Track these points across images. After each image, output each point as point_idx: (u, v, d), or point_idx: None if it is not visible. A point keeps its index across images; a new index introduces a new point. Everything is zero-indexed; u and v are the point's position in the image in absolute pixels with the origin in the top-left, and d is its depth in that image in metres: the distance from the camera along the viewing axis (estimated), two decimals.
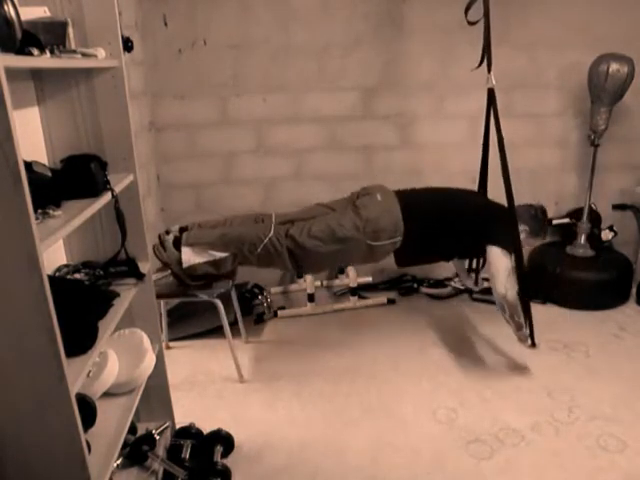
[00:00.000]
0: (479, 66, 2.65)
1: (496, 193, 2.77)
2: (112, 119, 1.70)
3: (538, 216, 2.76)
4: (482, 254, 2.66)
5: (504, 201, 2.61)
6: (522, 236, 2.66)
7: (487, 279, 2.95)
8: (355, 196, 2.67)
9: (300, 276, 3.53)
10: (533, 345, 2.58)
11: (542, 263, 3.42)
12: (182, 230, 2.57)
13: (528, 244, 2.79)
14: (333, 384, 2.60)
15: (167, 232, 2.58)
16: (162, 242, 2.51)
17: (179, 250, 2.46)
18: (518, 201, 3.52)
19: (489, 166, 2.94)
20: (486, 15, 2.51)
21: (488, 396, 2.48)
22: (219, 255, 2.45)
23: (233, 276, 2.67)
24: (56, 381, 1.16)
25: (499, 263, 2.50)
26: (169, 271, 2.65)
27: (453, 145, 3.37)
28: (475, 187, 3.01)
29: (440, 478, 2.01)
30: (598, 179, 3.37)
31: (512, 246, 2.53)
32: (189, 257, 2.44)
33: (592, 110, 3.17)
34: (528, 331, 2.55)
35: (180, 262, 2.45)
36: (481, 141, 2.89)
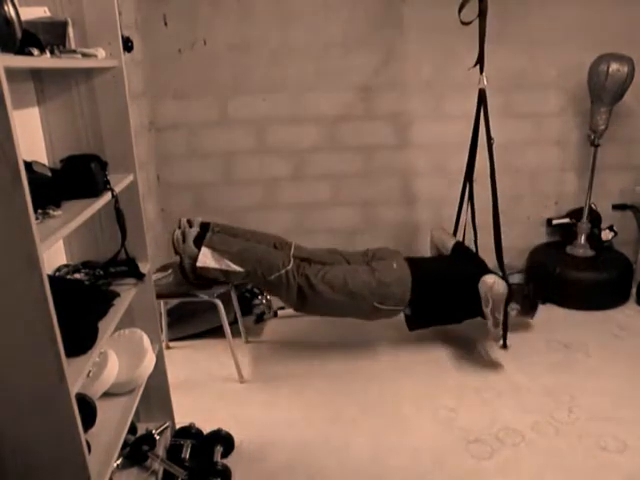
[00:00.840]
0: (475, 65, 2.66)
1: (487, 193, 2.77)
2: (112, 119, 1.70)
3: (530, 296, 2.88)
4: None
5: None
6: (513, 314, 2.76)
7: None
8: (371, 255, 2.75)
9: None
10: (504, 346, 2.66)
11: (542, 263, 3.42)
12: (203, 226, 2.59)
13: (518, 322, 2.91)
14: (333, 384, 2.60)
15: (190, 223, 2.59)
16: (184, 234, 2.52)
17: (197, 246, 2.47)
18: (517, 204, 3.55)
19: (484, 166, 2.93)
20: (482, 15, 2.52)
21: (488, 396, 2.48)
22: (234, 268, 2.47)
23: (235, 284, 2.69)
24: (56, 381, 1.16)
25: (488, 275, 2.62)
26: (170, 270, 2.66)
27: (452, 145, 3.37)
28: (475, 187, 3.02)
29: (440, 478, 2.02)
30: (598, 179, 3.37)
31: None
32: (206, 259, 2.45)
33: (592, 110, 3.17)
34: (502, 332, 2.62)
35: (195, 259, 2.45)
36: (481, 141, 2.89)
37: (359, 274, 2.57)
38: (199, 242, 2.49)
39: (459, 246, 2.94)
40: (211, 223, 2.62)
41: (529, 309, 2.89)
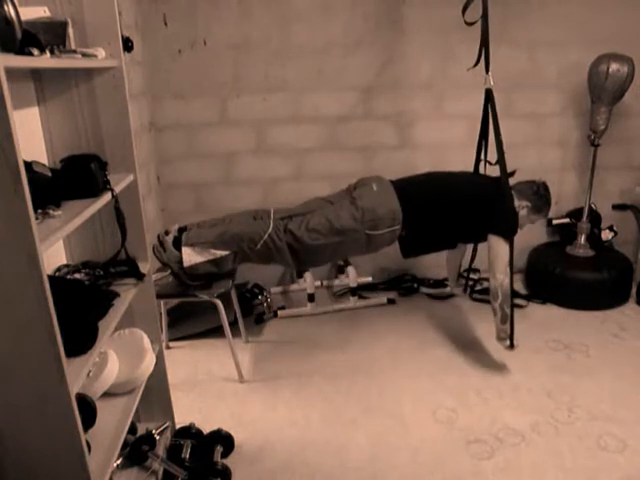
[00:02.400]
0: (475, 65, 2.66)
1: None
2: (112, 119, 1.70)
3: (540, 192, 2.74)
4: (484, 239, 2.66)
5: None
6: (524, 212, 2.67)
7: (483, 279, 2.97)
8: (352, 187, 2.68)
9: (300, 275, 3.53)
10: (512, 346, 2.59)
11: (542, 263, 3.42)
12: (181, 230, 2.58)
13: (530, 221, 2.77)
14: (333, 384, 2.60)
15: (166, 232, 2.58)
16: (161, 243, 2.52)
17: (179, 250, 2.47)
18: None
19: (486, 167, 2.93)
20: (484, 16, 2.51)
21: (488, 396, 2.48)
22: (220, 253, 2.45)
23: (233, 275, 2.68)
24: (56, 381, 1.16)
25: (499, 250, 2.53)
26: (169, 271, 2.66)
27: (453, 145, 3.37)
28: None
29: (440, 478, 2.02)
30: (598, 179, 3.37)
31: (511, 236, 2.55)
32: (190, 257, 2.44)
33: (592, 110, 3.17)
34: (509, 330, 2.56)
35: (181, 262, 2.45)
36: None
37: (342, 210, 2.50)
38: (179, 245, 2.48)
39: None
40: (189, 224, 2.62)
41: (541, 207, 2.74)
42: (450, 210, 2.59)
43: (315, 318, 3.25)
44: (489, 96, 2.66)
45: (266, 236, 2.45)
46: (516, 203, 2.64)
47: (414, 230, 2.56)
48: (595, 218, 3.48)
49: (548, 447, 2.15)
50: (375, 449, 2.17)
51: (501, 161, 2.62)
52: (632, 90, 3.08)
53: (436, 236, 2.68)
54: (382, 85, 3.30)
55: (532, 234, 3.62)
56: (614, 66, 2.95)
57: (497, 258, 2.54)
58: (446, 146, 3.41)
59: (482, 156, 2.94)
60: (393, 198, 2.52)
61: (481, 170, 2.98)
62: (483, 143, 2.92)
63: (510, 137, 3.40)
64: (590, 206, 3.37)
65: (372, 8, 3.16)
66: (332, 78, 3.26)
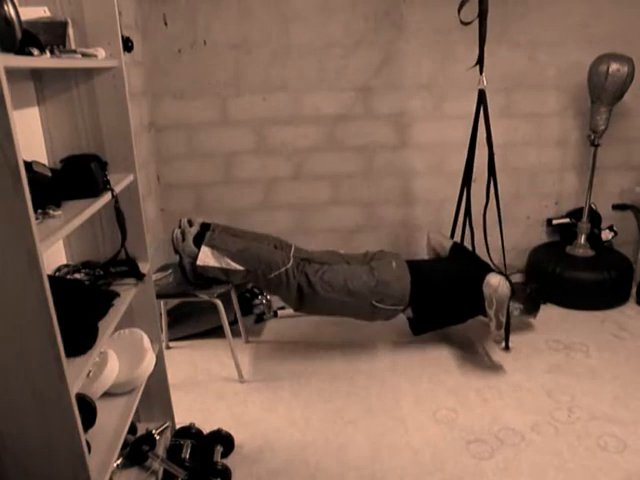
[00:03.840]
0: (475, 65, 2.66)
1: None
2: (112, 119, 1.70)
3: (532, 295, 2.89)
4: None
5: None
6: (516, 313, 2.78)
7: None
8: (370, 257, 2.75)
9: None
10: (507, 348, 2.64)
11: (542, 263, 3.42)
12: (203, 226, 2.59)
13: (520, 321, 2.92)
14: (333, 384, 2.60)
15: (190, 223, 2.59)
16: (183, 232, 2.53)
17: (196, 246, 2.47)
18: (517, 204, 3.56)
19: (482, 167, 2.93)
20: (482, 15, 2.52)
21: (488, 396, 2.48)
22: (234, 266, 2.47)
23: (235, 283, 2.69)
24: (56, 381, 1.16)
25: (492, 275, 2.61)
26: (170, 271, 2.66)
27: (452, 145, 3.37)
28: (473, 187, 3.02)
29: (440, 478, 2.02)
30: (598, 179, 3.37)
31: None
32: (206, 257, 2.46)
33: (592, 110, 3.17)
34: (504, 334, 2.60)
35: (194, 257, 2.46)
36: (481, 142, 2.89)
37: (358, 273, 2.57)
38: (199, 241, 2.49)
39: (457, 247, 2.94)
40: (212, 223, 2.63)
41: (532, 308, 2.89)
42: (456, 294, 2.66)
43: (315, 318, 3.23)
44: (482, 97, 2.68)
45: (283, 269, 2.49)
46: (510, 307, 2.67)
47: (422, 311, 2.67)
48: (595, 218, 3.48)
49: (548, 447, 2.15)
50: (375, 449, 2.17)
51: (491, 162, 2.64)
52: (632, 90, 3.08)
53: (443, 316, 2.77)
54: (382, 85, 3.30)
55: (532, 234, 3.63)
56: (614, 66, 2.95)
57: (492, 275, 2.61)
58: (445, 146, 3.41)
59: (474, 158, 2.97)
60: (407, 280, 2.60)
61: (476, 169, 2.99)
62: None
63: (510, 137, 3.42)
64: (590, 206, 3.37)
65: (372, 8, 3.15)
66: (332, 78, 3.26)
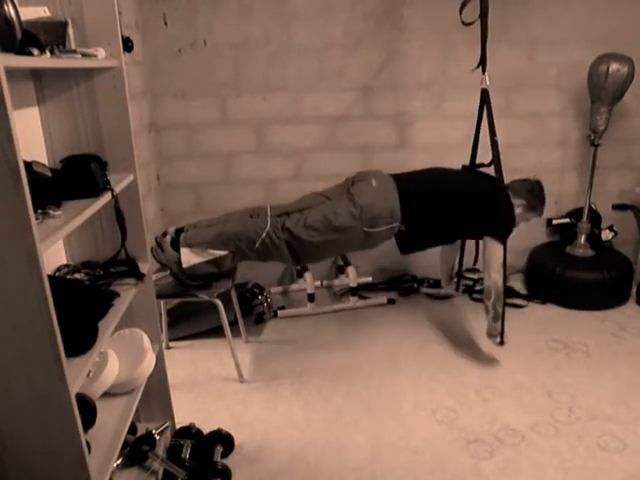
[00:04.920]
0: (478, 66, 2.66)
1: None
2: (112, 119, 1.70)
3: (535, 191, 2.74)
4: (480, 237, 2.68)
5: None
6: (519, 210, 2.68)
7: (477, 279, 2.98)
8: (350, 182, 2.64)
9: (300, 275, 3.52)
10: (502, 343, 2.64)
11: (542, 263, 3.42)
12: (178, 231, 2.57)
13: (525, 219, 2.77)
14: (333, 384, 2.60)
15: (164, 234, 2.58)
16: (159, 244, 2.52)
17: (177, 251, 2.47)
18: None
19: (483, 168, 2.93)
20: (483, 15, 2.52)
21: (488, 396, 2.48)
22: (218, 253, 2.45)
23: (233, 274, 2.68)
24: (56, 381, 1.16)
25: (494, 250, 2.54)
26: (168, 271, 2.66)
27: (452, 145, 3.37)
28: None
29: (440, 478, 2.02)
30: (598, 179, 3.37)
31: (505, 238, 2.56)
32: (188, 257, 2.44)
33: (592, 110, 3.17)
34: (500, 328, 2.59)
35: (179, 263, 2.45)
36: (484, 142, 2.88)
37: (340, 206, 2.48)
38: (176, 245, 2.48)
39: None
40: (185, 225, 2.62)
41: (536, 205, 2.73)
42: (449, 205, 2.58)
43: (315, 318, 3.25)
44: (484, 96, 2.68)
45: (264, 234, 2.44)
46: (512, 201, 2.64)
47: (413, 225, 2.53)
48: (595, 218, 3.48)
49: (548, 447, 2.15)
50: (375, 449, 2.17)
51: (496, 162, 2.63)
52: (632, 90, 3.08)
53: (435, 231, 2.67)
54: (382, 85, 3.30)
55: (532, 234, 3.62)
56: (614, 66, 2.95)
57: (492, 258, 2.55)
58: (445, 146, 3.41)
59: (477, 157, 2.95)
60: (393, 194, 2.49)
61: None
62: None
63: (510, 137, 3.41)
64: (590, 206, 3.37)
65: (372, 8, 3.16)
66: (332, 78, 3.26)
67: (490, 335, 2.67)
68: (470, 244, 3.13)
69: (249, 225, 2.51)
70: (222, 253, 2.46)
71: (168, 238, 2.53)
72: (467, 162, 2.99)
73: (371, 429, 2.29)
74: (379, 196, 2.49)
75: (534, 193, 2.73)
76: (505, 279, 2.58)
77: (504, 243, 2.55)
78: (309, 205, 2.58)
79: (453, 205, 2.59)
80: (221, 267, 2.51)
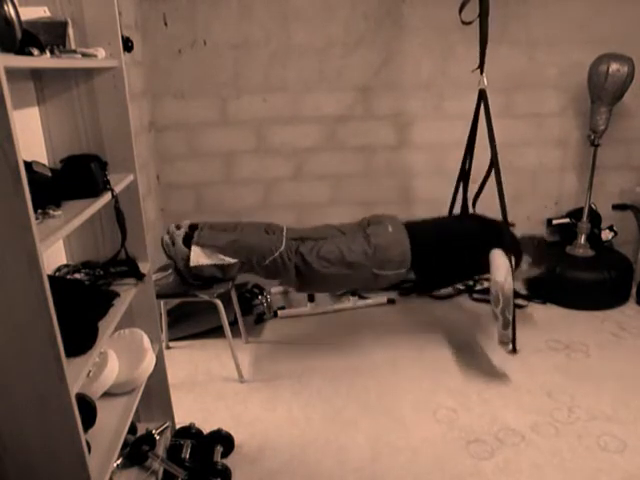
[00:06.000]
0: (478, 67, 2.67)
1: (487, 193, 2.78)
2: (112, 119, 1.70)
3: (539, 247, 2.90)
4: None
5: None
6: (524, 267, 2.75)
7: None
8: (366, 223, 2.71)
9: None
10: (514, 351, 2.60)
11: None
12: (192, 227, 2.58)
13: (529, 274, 2.88)
14: (333, 384, 2.60)
15: (177, 227, 2.58)
16: (172, 237, 2.52)
17: (188, 247, 2.46)
18: (517, 203, 3.55)
19: (479, 166, 2.93)
20: (483, 15, 2.52)
21: (488, 396, 2.48)
22: (228, 260, 2.46)
23: (234, 277, 2.68)
24: (56, 381, 1.16)
25: (500, 260, 2.54)
26: (170, 270, 2.66)
27: (452, 145, 3.37)
28: (472, 187, 3.02)
29: (440, 478, 2.02)
30: (598, 179, 3.37)
31: (512, 251, 2.57)
32: (198, 257, 2.45)
33: (592, 110, 3.17)
34: (511, 335, 2.57)
35: (187, 260, 2.45)
36: (482, 142, 2.89)
37: (355, 243, 2.52)
38: (188, 242, 2.48)
39: (462, 209, 2.89)
40: (200, 223, 2.62)
41: (539, 260, 2.81)
42: (454, 248, 2.63)
43: (315, 318, 3.25)
44: (482, 97, 2.68)
45: (277, 253, 2.46)
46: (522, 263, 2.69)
47: (425, 273, 2.62)
48: (595, 218, 3.48)
49: (548, 447, 2.15)
50: (375, 449, 2.17)
51: (495, 162, 2.63)
52: (632, 90, 3.08)
53: (445, 273, 2.72)
54: (382, 85, 3.30)
55: (532, 234, 3.62)
56: (614, 66, 2.95)
57: (498, 266, 2.53)
58: (445, 146, 3.41)
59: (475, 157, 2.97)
60: (406, 241, 2.56)
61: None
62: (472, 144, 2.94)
63: (510, 137, 3.42)
64: (590, 206, 3.37)
65: (372, 8, 3.16)
66: (332, 78, 3.27)
67: (502, 342, 2.60)
68: None
69: (264, 240, 2.53)
70: (231, 261, 2.46)
71: (182, 232, 2.53)
72: (463, 162, 3.00)
73: (371, 429, 2.29)
74: (394, 241, 2.56)
75: (538, 250, 2.88)
76: (519, 243, 2.60)
77: (509, 256, 2.55)
78: (324, 236, 2.62)
79: (458, 247, 2.63)
80: (226, 274, 2.53)
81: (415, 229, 2.62)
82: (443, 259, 2.60)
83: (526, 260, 2.71)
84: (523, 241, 2.65)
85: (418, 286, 2.68)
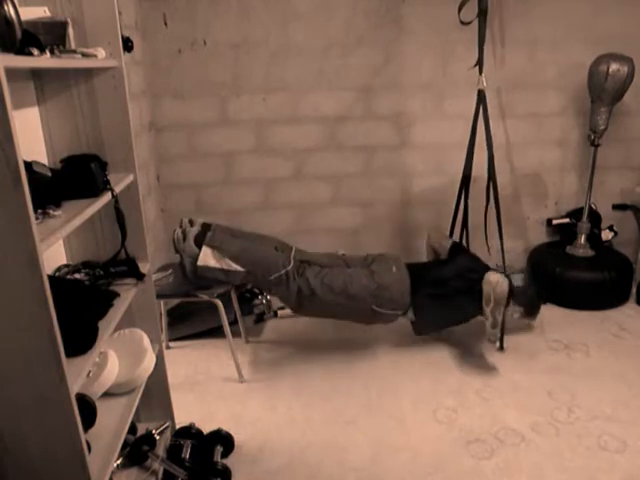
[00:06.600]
0: (476, 65, 2.67)
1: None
2: (112, 119, 1.70)
3: (532, 298, 2.86)
4: None
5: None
6: (516, 316, 2.75)
7: None
8: (371, 260, 2.74)
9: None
10: (501, 348, 2.68)
11: (542, 263, 3.42)
12: (204, 226, 2.59)
13: (520, 324, 2.89)
14: (333, 384, 2.60)
15: (191, 223, 2.59)
16: (184, 231, 2.52)
17: (198, 246, 2.47)
18: (517, 203, 3.55)
19: (481, 166, 2.94)
20: (482, 15, 2.52)
21: (488, 396, 2.48)
22: (235, 267, 2.47)
23: (235, 284, 2.68)
24: (56, 381, 1.16)
25: (492, 273, 2.61)
26: (170, 270, 2.66)
27: (452, 145, 3.37)
28: (473, 188, 3.03)
29: (440, 478, 2.02)
30: (598, 179, 3.37)
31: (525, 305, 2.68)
32: (206, 257, 2.45)
33: (592, 110, 3.16)
34: (499, 334, 2.61)
35: (195, 257, 2.46)
36: (481, 143, 2.89)
37: (358, 277, 2.57)
38: (200, 241, 2.49)
39: (456, 247, 2.93)
40: (212, 224, 2.62)
41: (532, 311, 2.86)
42: (456, 297, 2.65)
43: (315, 318, 3.24)
44: (481, 97, 2.68)
45: (283, 271, 2.48)
46: (509, 309, 2.66)
47: (423, 314, 2.65)
48: (595, 218, 3.48)
49: (548, 447, 2.15)
50: (375, 449, 2.17)
51: (490, 162, 2.64)
52: (632, 90, 3.08)
53: (445, 318, 2.73)
54: (382, 85, 3.30)
55: (532, 234, 3.63)
56: (614, 66, 2.95)
57: (493, 272, 2.62)
58: (445, 146, 3.41)
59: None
60: (407, 284, 2.60)
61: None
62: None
63: (510, 137, 3.42)
64: (590, 206, 3.36)
65: (372, 7, 3.15)
66: (332, 78, 3.26)
67: (489, 341, 2.68)
68: (470, 245, 3.13)
69: (272, 256, 2.55)
70: (239, 269, 2.47)
71: (195, 230, 2.54)
72: (466, 163, 3.00)
73: (371, 429, 2.29)
74: (396, 280, 2.60)
75: (531, 301, 2.81)
76: (512, 285, 2.58)
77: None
78: (330, 264, 2.65)
79: (453, 286, 2.65)
80: (230, 280, 2.54)
81: (415, 271, 2.67)
82: (441, 302, 2.64)
83: (517, 309, 2.72)
84: (517, 292, 2.66)
85: (416, 327, 2.72)
